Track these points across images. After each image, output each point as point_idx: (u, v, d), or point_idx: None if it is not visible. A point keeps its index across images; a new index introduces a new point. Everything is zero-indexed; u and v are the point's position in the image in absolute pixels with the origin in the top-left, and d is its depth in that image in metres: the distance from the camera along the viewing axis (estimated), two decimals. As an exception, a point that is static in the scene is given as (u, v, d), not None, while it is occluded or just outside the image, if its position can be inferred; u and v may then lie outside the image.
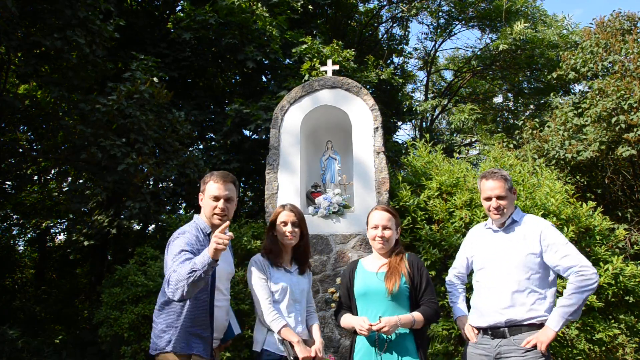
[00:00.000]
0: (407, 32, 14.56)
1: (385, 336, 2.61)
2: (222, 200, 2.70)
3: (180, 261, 2.41)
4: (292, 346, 2.69)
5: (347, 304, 2.88)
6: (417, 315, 2.65)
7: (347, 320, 2.80)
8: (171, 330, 2.55)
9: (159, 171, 6.53)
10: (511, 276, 2.68)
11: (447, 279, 3.18)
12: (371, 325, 2.57)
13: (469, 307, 3.00)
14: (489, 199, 2.81)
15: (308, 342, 2.85)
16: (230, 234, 2.38)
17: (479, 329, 2.79)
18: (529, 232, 2.74)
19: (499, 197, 2.77)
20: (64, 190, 9.72)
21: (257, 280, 2.85)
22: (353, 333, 2.79)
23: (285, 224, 2.92)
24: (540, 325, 2.65)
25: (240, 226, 6.04)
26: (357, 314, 2.77)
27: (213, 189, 2.71)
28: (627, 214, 7.80)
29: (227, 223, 2.49)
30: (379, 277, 2.75)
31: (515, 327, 2.63)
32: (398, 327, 2.59)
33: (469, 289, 3.07)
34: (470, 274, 3.13)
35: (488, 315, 2.72)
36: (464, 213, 5.07)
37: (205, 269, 2.28)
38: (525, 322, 2.62)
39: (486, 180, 2.85)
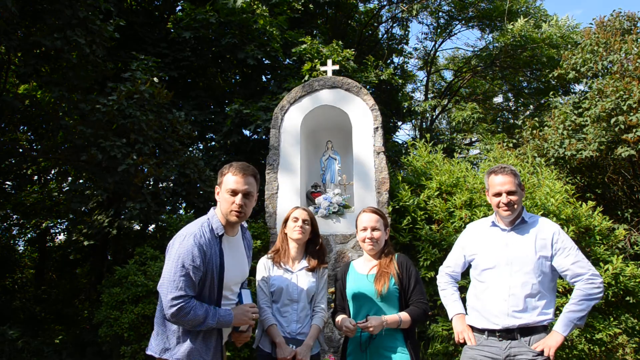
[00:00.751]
0: (407, 32, 14.57)
1: (367, 334, 2.65)
2: (240, 195, 2.42)
3: (181, 283, 2.27)
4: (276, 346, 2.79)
5: (341, 306, 2.92)
6: (404, 315, 2.68)
7: (338, 321, 2.86)
8: (174, 339, 2.40)
9: (159, 171, 6.53)
10: (525, 279, 2.63)
11: (439, 277, 3.05)
12: (358, 323, 2.63)
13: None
14: (498, 194, 2.73)
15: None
16: (257, 315, 2.56)
17: (483, 330, 2.72)
18: (541, 234, 2.69)
19: (509, 193, 2.70)
20: (64, 190, 9.73)
21: (258, 282, 2.98)
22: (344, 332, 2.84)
23: (297, 219, 3.00)
24: (547, 327, 2.64)
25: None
26: (350, 315, 2.82)
27: (231, 182, 2.43)
28: (627, 214, 7.79)
29: (257, 316, 2.56)
30: (369, 279, 2.79)
31: (527, 329, 2.61)
32: (383, 327, 2.62)
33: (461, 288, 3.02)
34: (466, 272, 3.07)
35: (498, 318, 2.65)
36: (463, 213, 5.07)
37: (219, 327, 2.38)
38: (535, 325, 2.61)
39: (495, 175, 2.78)
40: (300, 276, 2.96)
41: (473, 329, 2.79)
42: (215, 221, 2.47)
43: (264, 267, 3.00)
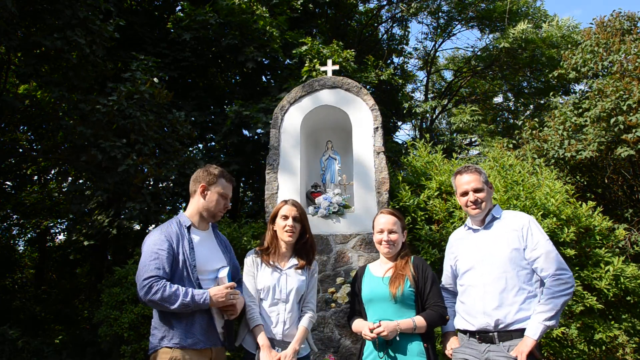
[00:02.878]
0: (407, 32, 14.56)
1: (382, 339, 2.61)
2: (228, 200, 2.82)
3: (152, 266, 2.45)
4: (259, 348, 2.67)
5: (358, 309, 2.87)
6: (418, 320, 2.63)
7: (355, 325, 2.82)
8: (164, 327, 2.51)
9: (159, 172, 6.53)
10: (497, 274, 2.56)
11: None
12: (371, 329, 2.58)
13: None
14: (465, 193, 2.73)
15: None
16: (237, 295, 2.65)
17: (465, 331, 2.68)
18: (511, 227, 2.64)
19: (475, 190, 2.69)
20: (64, 190, 9.73)
21: (245, 278, 2.88)
22: (363, 336, 2.78)
23: (286, 217, 2.88)
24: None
25: (240, 226, 6.04)
26: (366, 319, 2.77)
27: (226, 188, 2.78)
28: (627, 214, 7.79)
29: (238, 293, 2.67)
30: (384, 281, 2.75)
31: (506, 333, 2.51)
32: (397, 331, 2.59)
33: None
34: None
35: (475, 318, 2.60)
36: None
37: (197, 307, 2.47)
38: (515, 327, 2.50)
39: (460, 175, 2.78)
40: (289, 275, 2.83)
41: (460, 331, 2.76)
42: (182, 216, 2.76)
43: (252, 263, 2.88)
